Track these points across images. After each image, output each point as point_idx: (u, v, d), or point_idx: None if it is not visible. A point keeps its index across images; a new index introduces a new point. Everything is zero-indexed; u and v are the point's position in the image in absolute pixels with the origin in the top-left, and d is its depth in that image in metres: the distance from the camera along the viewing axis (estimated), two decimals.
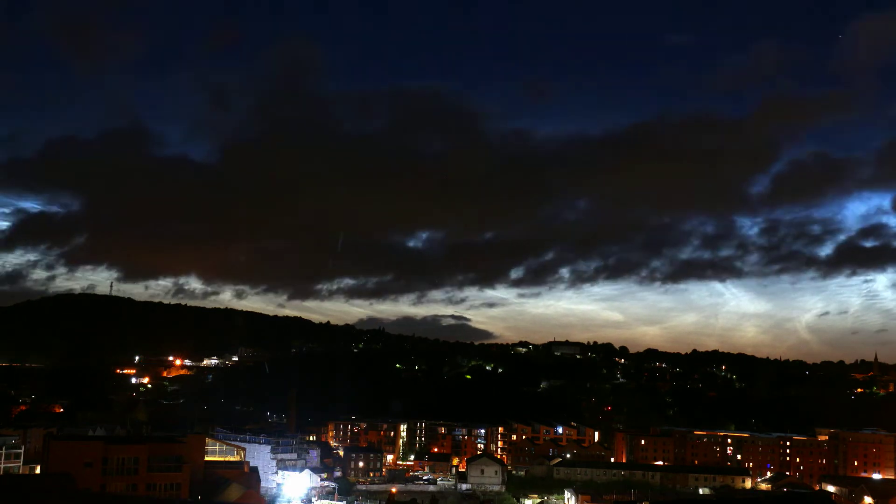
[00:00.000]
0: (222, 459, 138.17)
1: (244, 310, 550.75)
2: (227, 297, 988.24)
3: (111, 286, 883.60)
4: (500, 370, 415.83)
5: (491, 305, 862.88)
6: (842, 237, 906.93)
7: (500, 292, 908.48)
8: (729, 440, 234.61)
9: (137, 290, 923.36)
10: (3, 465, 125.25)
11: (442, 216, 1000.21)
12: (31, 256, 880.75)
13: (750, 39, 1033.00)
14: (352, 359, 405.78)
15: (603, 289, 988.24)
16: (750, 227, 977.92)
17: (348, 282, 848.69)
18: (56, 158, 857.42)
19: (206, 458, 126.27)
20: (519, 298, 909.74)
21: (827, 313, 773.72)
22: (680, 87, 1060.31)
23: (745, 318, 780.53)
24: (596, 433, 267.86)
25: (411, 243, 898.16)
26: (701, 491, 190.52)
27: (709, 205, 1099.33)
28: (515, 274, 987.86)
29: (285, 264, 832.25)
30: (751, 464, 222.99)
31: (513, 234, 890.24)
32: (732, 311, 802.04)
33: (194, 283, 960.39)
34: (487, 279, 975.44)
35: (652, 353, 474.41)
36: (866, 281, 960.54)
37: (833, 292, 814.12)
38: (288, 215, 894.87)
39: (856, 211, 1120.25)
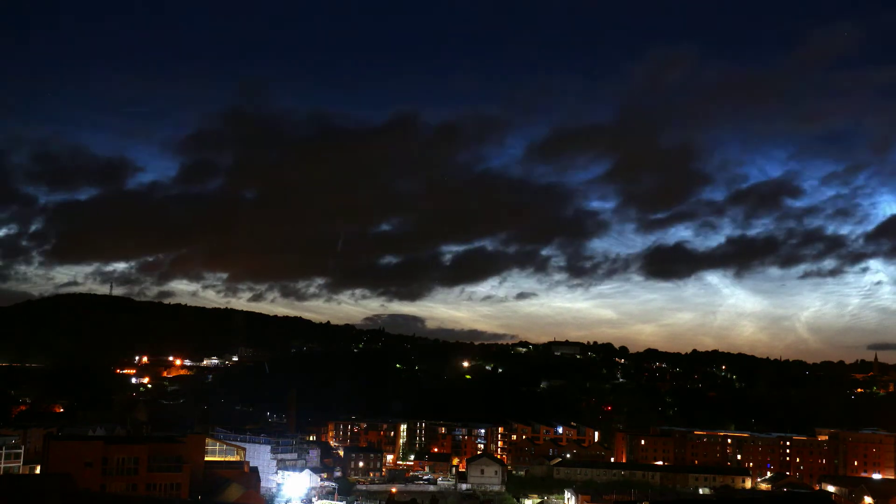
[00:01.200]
0: (222, 459, 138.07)
1: (244, 310, 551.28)
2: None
3: (111, 286, 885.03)
4: (500, 370, 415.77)
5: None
6: None
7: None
8: (729, 440, 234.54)
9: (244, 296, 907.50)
10: (3, 465, 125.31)
11: None
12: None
13: None
14: (352, 359, 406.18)
15: (597, 287, 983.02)
16: None
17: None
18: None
19: (206, 458, 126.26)
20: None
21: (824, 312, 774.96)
22: None
23: (743, 316, 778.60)
24: (596, 433, 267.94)
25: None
26: (701, 491, 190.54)
27: None
28: None
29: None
30: (751, 464, 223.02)
31: None
32: (730, 309, 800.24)
33: (314, 287, 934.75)
34: None
35: (652, 353, 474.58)
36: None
37: (830, 289, 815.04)
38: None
39: None
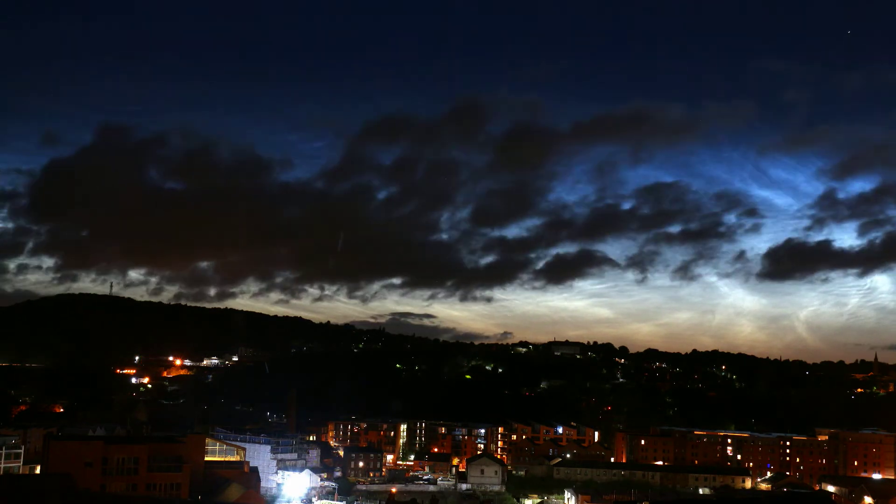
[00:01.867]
0: (222, 459, 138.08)
1: (244, 310, 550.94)
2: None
3: (111, 286, 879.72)
4: (500, 370, 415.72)
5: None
6: None
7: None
8: (729, 440, 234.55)
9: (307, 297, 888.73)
10: (3, 465, 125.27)
11: None
12: None
13: None
14: (352, 359, 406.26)
15: (593, 286, 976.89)
16: None
17: None
18: None
19: (206, 458, 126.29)
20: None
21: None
22: None
23: (741, 315, 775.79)
24: (596, 433, 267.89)
25: None
26: (701, 491, 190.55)
27: None
28: None
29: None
30: (751, 464, 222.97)
31: None
32: (728, 309, 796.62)
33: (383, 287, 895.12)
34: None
35: (651, 353, 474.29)
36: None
37: (829, 289, 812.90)
38: None
39: None
